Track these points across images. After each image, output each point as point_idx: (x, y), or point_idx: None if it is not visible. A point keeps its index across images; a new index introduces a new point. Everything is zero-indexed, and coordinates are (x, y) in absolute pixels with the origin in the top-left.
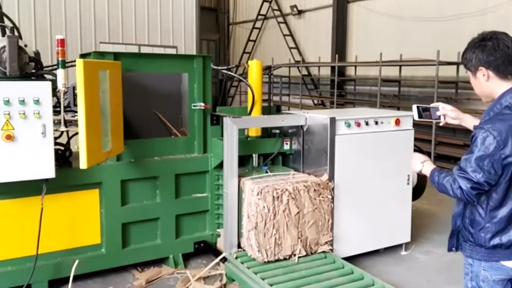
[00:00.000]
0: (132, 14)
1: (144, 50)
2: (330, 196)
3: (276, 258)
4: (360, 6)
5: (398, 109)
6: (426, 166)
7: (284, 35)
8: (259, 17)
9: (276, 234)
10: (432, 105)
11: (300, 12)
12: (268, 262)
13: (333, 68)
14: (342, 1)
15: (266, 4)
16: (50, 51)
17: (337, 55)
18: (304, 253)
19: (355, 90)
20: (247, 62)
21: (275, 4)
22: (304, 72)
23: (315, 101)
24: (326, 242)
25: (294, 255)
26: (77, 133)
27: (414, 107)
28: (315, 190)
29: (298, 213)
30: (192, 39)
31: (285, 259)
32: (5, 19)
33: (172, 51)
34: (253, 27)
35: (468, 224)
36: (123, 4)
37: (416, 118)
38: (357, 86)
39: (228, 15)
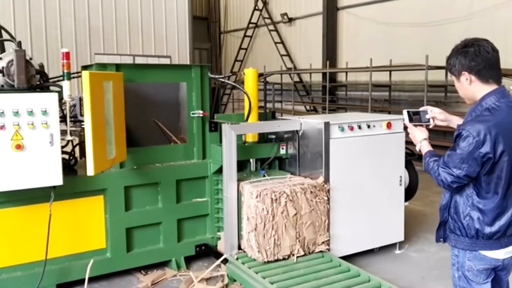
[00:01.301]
0: (126, 25)
1: (139, 60)
2: (326, 198)
3: (276, 258)
4: (350, 13)
5: (389, 113)
6: (422, 146)
7: (276, 43)
8: (250, 25)
9: (275, 235)
10: (421, 109)
11: (290, 20)
12: (268, 262)
13: (324, 74)
14: (331, 8)
15: (257, 13)
16: (46, 61)
17: (328, 62)
18: (302, 253)
19: (347, 96)
20: (241, 70)
21: (265, 12)
22: (296, 78)
23: (308, 107)
24: (323, 242)
25: (293, 254)
26: (79, 143)
27: (405, 111)
28: (311, 192)
29: (295, 214)
30: (186, 48)
31: (284, 259)
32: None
33: (166, 61)
34: (245, 35)
35: (453, 213)
36: (116, 14)
37: (407, 121)
38: (348, 91)
39: (219, 23)
